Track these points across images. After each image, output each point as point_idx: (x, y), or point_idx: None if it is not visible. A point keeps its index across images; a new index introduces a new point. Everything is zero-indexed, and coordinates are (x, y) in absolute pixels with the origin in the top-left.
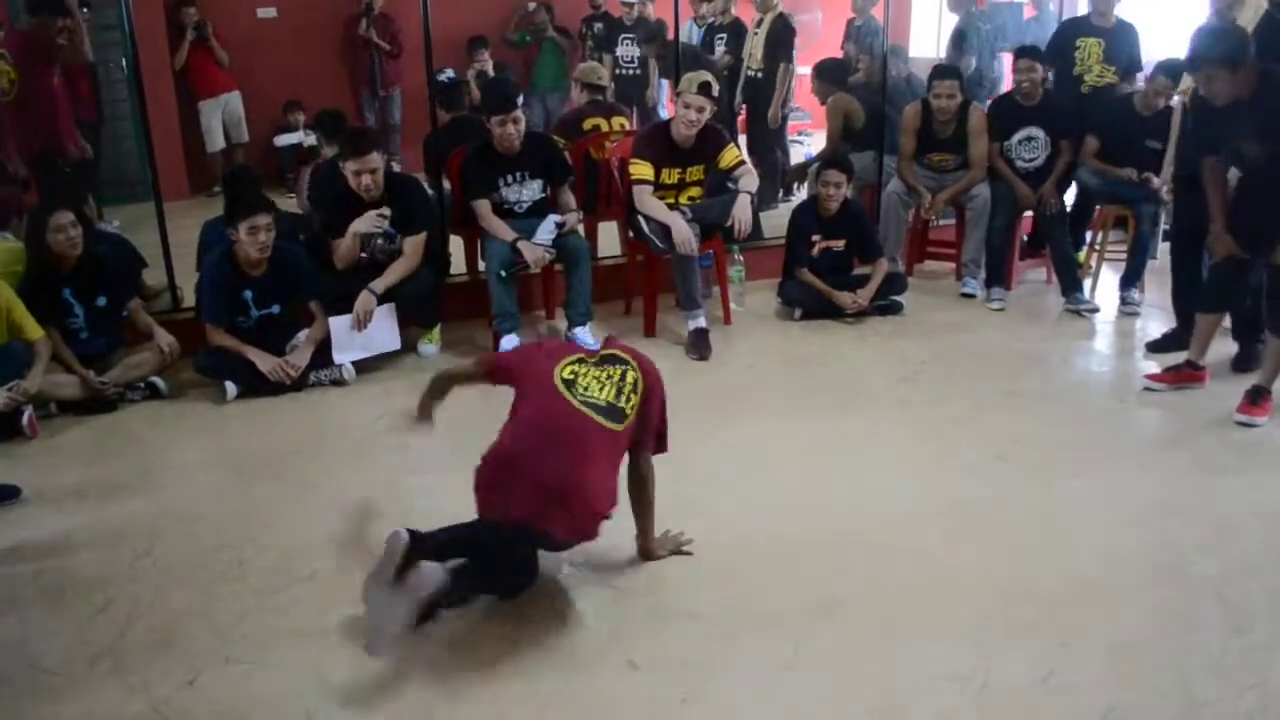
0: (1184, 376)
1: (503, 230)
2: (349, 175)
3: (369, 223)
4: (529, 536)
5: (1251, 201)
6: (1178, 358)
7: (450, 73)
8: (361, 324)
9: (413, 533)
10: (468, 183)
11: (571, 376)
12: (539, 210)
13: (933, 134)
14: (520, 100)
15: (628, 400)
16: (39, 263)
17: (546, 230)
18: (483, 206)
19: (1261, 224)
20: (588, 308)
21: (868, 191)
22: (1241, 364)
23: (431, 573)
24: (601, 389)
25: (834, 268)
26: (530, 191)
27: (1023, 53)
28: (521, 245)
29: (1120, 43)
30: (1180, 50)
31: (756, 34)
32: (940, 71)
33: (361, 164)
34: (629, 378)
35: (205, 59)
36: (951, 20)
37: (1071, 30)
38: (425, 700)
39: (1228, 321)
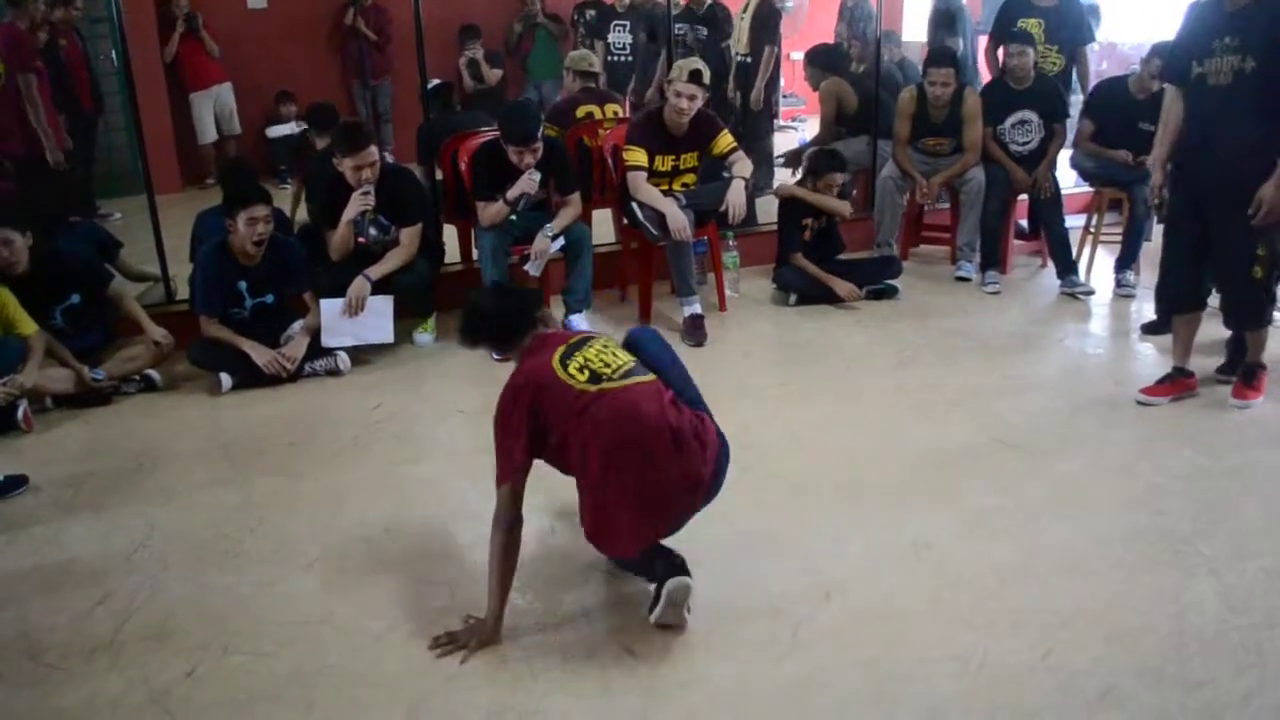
0: (1179, 386)
1: (498, 213)
2: (347, 172)
3: (355, 206)
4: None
5: (1209, 143)
6: (1169, 343)
7: (437, 80)
8: (354, 309)
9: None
10: (476, 182)
11: (581, 369)
12: (539, 207)
13: (927, 119)
14: (540, 132)
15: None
16: None
17: (550, 235)
18: (482, 206)
19: (1221, 173)
20: (588, 294)
21: (861, 176)
22: (1229, 371)
23: None
24: (613, 357)
25: (826, 254)
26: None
27: (1014, 37)
28: (535, 245)
29: (1061, 21)
30: (1170, 34)
31: (743, 18)
32: (936, 58)
33: (360, 159)
34: (611, 343)
35: (195, 51)
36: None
37: (1012, 11)
38: (423, 687)
39: (1219, 303)
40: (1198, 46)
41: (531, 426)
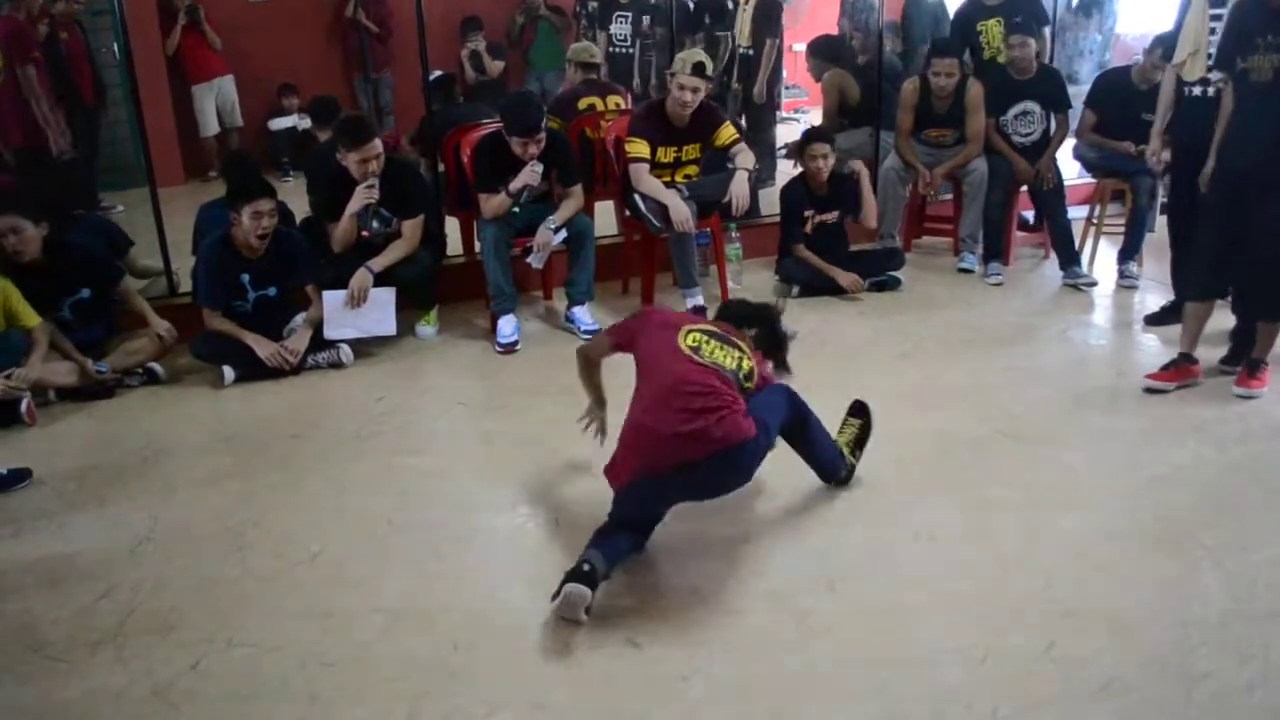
0: (1185, 372)
1: (500, 205)
2: (352, 166)
3: (360, 200)
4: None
5: (1250, 136)
6: (1172, 334)
7: (439, 72)
8: (356, 301)
9: (590, 580)
10: (478, 174)
11: (696, 344)
12: (541, 199)
13: (930, 110)
14: (543, 124)
15: (747, 379)
16: (5, 263)
17: (552, 228)
18: (485, 199)
19: (1256, 167)
20: (590, 286)
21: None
22: (1232, 362)
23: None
24: (726, 358)
25: (829, 246)
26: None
27: (1014, 29)
28: (537, 238)
29: (1016, 15)
30: (1168, 24)
31: (745, 10)
32: (939, 49)
33: (364, 153)
34: (744, 364)
35: (197, 43)
36: None
37: (968, 16)
38: (425, 681)
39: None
40: (1243, 43)
41: (625, 340)
